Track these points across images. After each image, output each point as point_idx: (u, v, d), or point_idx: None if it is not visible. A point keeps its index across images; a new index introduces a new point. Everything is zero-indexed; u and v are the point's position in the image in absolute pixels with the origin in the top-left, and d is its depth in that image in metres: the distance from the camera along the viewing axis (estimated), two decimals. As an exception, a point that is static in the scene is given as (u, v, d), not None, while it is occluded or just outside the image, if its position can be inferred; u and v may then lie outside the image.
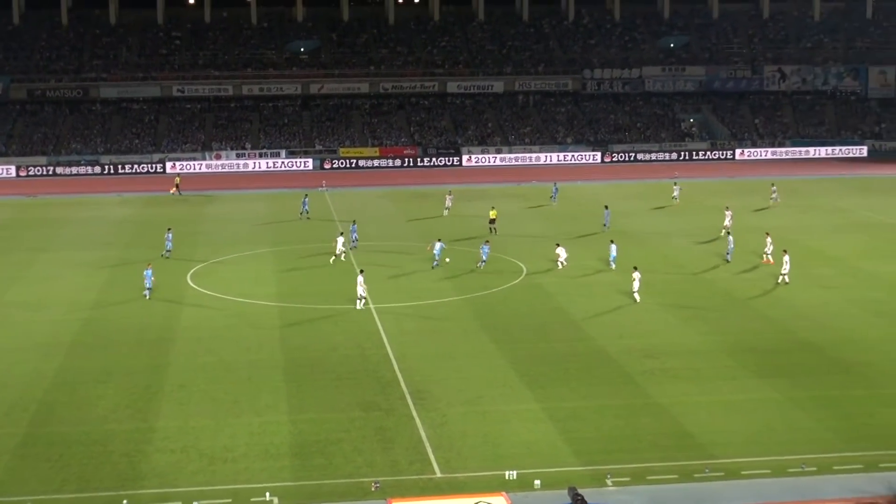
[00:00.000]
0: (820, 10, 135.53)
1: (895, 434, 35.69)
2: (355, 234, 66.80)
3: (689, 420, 36.93)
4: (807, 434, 35.81)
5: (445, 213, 76.44)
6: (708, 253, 64.57)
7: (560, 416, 37.24)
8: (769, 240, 61.34)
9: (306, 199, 79.37)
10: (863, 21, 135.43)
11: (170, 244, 63.87)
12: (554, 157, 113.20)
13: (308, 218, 77.33)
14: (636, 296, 52.76)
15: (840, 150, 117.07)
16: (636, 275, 53.03)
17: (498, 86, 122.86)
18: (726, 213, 70.15)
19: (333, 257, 62.28)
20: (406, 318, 50.25)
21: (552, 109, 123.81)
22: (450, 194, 79.66)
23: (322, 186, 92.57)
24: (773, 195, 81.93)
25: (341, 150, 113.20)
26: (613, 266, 60.18)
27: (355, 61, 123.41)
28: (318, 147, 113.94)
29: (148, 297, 53.47)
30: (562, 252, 60.34)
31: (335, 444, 34.91)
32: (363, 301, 52.01)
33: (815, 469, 32.99)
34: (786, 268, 55.98)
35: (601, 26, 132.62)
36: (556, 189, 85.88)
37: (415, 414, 37.54)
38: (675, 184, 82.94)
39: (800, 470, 32.94)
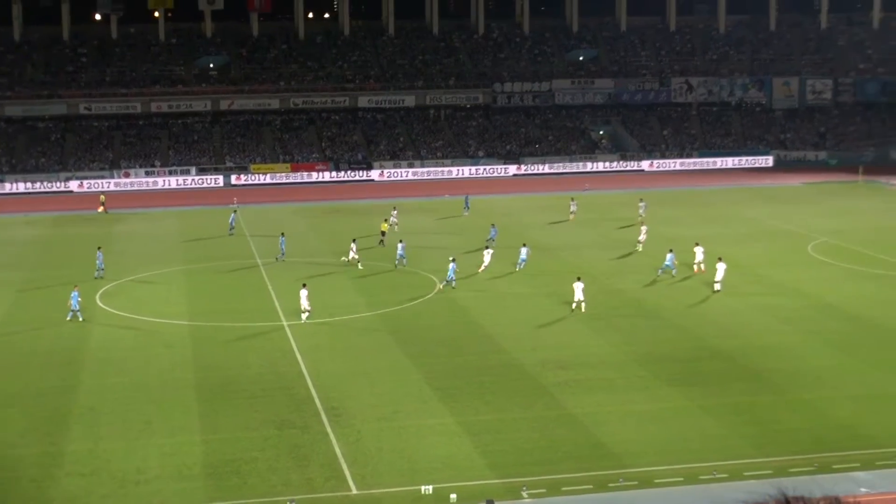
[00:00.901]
0: (725, 23, 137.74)
1: (803, 439, 36.37)
2: (282, 247, 67.07)
3: (603, 430, 37.25)
4: (718, 441, 36.32)
5: (395, 228, 75.77)
6: (618, 264, 65.18)
7: (475, 430, 37.34)
8: (700, 249, 61.92)
9: (234, 216, 78.80)
10: (766, 33, 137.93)
11: (101, 264, 62.78)
12: (466, 171, 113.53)
13: (231, 234, 76.52)
14: (582, 305, 53.27)
15: (746, 160, 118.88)
16: (579, 285, 53.59)
17: (409, 100, 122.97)
18: (641, 227, 70.56)
19: (346, 259, 64.48)
20: (320, 335, 50.06)
21: (463, 123, 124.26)
22: (394, 209, 79.34)
23: (233, 203, 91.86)
24: (573, 207, 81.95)
25: (252, 166, 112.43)
26: (519, 268, 62.40)
27: (265, 77, 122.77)
28: (229, 163, 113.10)
29: (81, 319, 52.39)
30: (487, 256, 62.33)
31: (250, 464, 34.65)
32: (307, 314, 51.93)
33: (726, 475, 33.45)
34: (720, 275, 56.92)
35: (511, 40, 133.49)
36: (468, 201, 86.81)
37: (329, 431, 37.40)
38: (573, 199, 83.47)
39: (712, 477, 33.37)
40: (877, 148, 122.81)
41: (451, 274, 58.78)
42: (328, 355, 46.78)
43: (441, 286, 58.70)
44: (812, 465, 34.06)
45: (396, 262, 64.44)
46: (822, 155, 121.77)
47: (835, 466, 34.06)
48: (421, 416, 38.83)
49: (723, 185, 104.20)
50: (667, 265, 60.99)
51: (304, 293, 52.34)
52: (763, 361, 45.00)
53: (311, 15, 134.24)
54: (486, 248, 64.75)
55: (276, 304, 55.71)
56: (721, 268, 57.26)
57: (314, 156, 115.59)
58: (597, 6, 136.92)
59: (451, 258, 60.29)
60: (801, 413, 38.95)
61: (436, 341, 48.67)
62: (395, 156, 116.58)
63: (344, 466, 34.42)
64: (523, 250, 63.68)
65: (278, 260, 67.00)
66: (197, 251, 71.35)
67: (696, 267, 61.52)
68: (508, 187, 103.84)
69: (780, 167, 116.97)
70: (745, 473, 33.63)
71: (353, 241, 66.17)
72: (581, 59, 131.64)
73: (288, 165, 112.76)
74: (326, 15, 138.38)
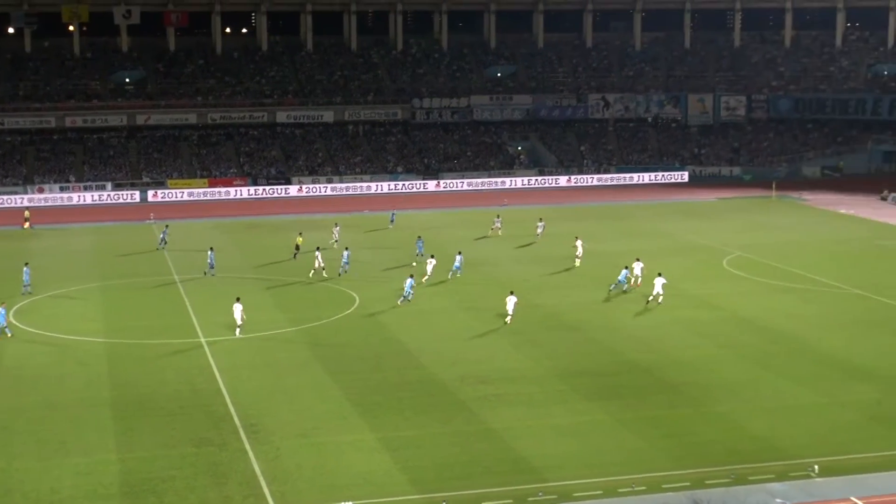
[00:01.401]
0: (641, 40, 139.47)
1: (719, 451, 36.82)
2: (211, 261, 66.93)
3: (523, 444, 37.40)
4: (636, 454, 36.64)
5: (334, 245, 75.45)
6: (538, 278, 65.51)
7: (395, 445, 37.29)
8: (639, 264, 62.36)
9: (166, 230, 78.03)
10: (681, 50, 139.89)
11: (28, 279, 61.67)
12: (385, 186, 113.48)
13: (160, 249, 75.76)
14: (508, 318, 54.03)
15: (662, 175, 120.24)
16: (512, 298, 54.21)
17: (328, 115, 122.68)
18: (577, 242, 70.67)
19: (314, 271, 65.52)
20: (239, 351, 49.68)
21: (382, 139, 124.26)
22: (336, 225, 79.00)
23: (150, 219, 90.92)
24: (496, 223, 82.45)
25: (169, 181, 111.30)
26: (455, 275, 64.26)
27: (182, 91, 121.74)
28: (146, 179, 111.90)
29: (10, 335, 51.49)
30: (430, 266, 63.55)
31: (167, 482, 34.27)
32: (240, 329, 51.82)
33: (644, 488, 33.75)
34: (658, 289, 57.77)
35: (429, 56, 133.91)
36: (394, 215, 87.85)
37: (248, 448, 37.12)
38: (498, 216, 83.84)
39: (630, 490, 33.65)
40: (789, 164, 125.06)
41: (408, 289, 58.95)
42: (247, 372, 46.43)
43: (399, 302, 58.71)
44: (728, 477, 34.47)
45: (340, 269, 65.66)
46: (737, 170, 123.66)
47: (750, 478, 34.50)
48: (340, 433, 38.70)
49: (639, 200, 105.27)
50: (620, 280, 61.42)
51: (238, 307, 52.10)
52: (679, 375, 45.53)
53: (228, 30, 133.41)
54: (431, 257, 65.21)
55: (195, 320, 55.19)
56: (659, 282, 58.07)
57: (232, 171, 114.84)
58: (514, 23, 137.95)
59: (410, 274, 60.66)
60: (716, 425, 39.43)
61: (356, 357, 48.56)
62: (314, 171, 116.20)
63: (263, 484, 34.16)
64: (458, 258, 65.03)
65: (207, 274, 66.53)
66: (113, 267, 70.40)
67: (633, 280, 62.05)
68: (427, 202, 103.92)
69: (696, 182, 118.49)
70: (663, 486, 33.96)
71: (318, 248, 67.57)
72: (499, 75, 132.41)
73: (206, 181, 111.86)
74: (244, 30, 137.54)
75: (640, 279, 61.89)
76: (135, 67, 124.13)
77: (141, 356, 48.85)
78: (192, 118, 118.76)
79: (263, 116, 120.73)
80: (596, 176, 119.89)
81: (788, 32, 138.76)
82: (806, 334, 52.11)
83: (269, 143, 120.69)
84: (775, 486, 34.08)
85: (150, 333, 52.73)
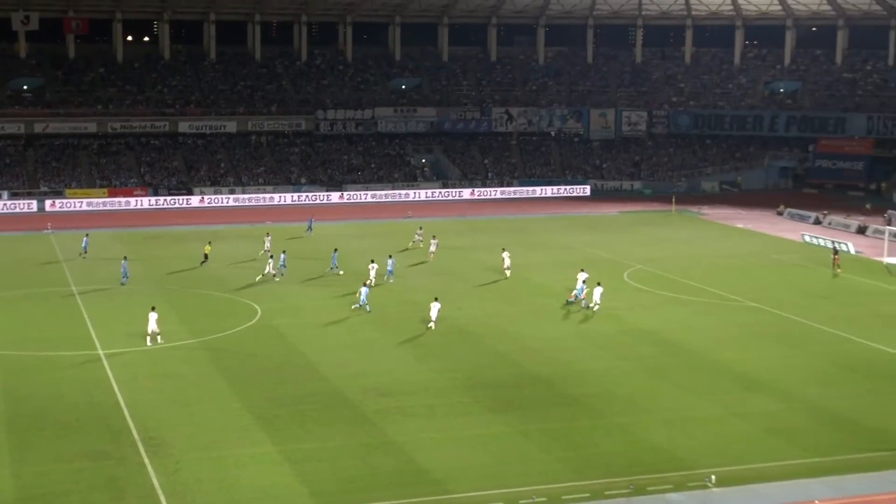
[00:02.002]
0: (544, 55, 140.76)
1: (619, 462, 37.22)
2: (125, 270, 66.42)
3: (425, 457, 37.43)
4: (537, 465, 36.89)
5: (266, 254, 74.83)
6: (442, 290, 65.56)
7: (296, 458, 37.09)
8: (584, 275, 62.80)
9: (86, 240, 77.07)
10: (584, 66, 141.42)
11: None
12: (288, 198, 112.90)
13: (83, 257, 74.70)
14: (432, 324, 55.20)
15: (565, 189, 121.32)
16: (436, 305, 55.35)
17: (231, 126, 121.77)
18: (504, 254, 71.15)
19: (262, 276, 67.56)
20: (139, 364, 49.00)
21: (286, 150, 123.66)
22: (268, 235, 78.35)
23: (48, 229, 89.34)
24: (417, 236, 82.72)
25: (67, 191, 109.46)
26: (390, 280, 66.83)
27: (82, 100, 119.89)
28: (44, 188, 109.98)
29: None
30: (372, 271, 65.23)
31: (63, 497, 33.68)
32: (156, 337, 51.62)
33: (545, 499, 33.98)
34: (596, 297, 59.41)
35: (334, 67, 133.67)
36: (311, 224, 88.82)
37: (147, 462, 36.63)
38: (420, 228, 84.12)
39: (531, 501, 33.85)
40: (688, 178, 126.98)
41: (363, 298, 59.35)
42: (147, 384, 45.83)
43: (354, 307, 59.57)
44: (627, 488, 34.86)
45: (275, 273, 67.82)
46: (638, 185, 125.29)
47: (649, 488, 34.92)
48: (241, 446, 38.38)
49: (542, 213, 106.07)
50: (577, 291, 61.79)
51: (153, 316, 51.83)
52: (581, 387, 45.95)
53: (129, 38, 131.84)
54: (371, 262, 66.32)
55: (92, 332, 54.34)
56: (598, 291, 59.71)
57: (133, 181, 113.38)
58: (419, 36, 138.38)
59: (366, 282, 61.35)
60: (616, 436, 39.86)
61: (258, 369, 48.20)
62: (216, 182, 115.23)
63: (162, 498, 33.73)
64: (390, 262, 67.61)
65: (123, 284, 66.01)
66: (8, 278, 68.99)
67: (572, 293, 62.51)
68: (332, 215, 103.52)
69: (597, 196, 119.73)
70: (564, 497, 34.23)
71: (270, 256, 69.47)
72: (403, 87, 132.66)
73: (105, 190, 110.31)
74: (146, 38, 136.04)
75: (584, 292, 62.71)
76: (33, 75, 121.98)
77: (36, 368, 47.97)
78: (92, 127, 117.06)
79: (165, 126, 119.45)
80: (499, 189, 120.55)
81: (689, 49, 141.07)
82: (704, 346, 52.93)
83: (171, 152, 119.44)
84: (673, 496, 34.55)
85: (46, 345, 51.79)
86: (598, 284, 60.30)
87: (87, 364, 48.73)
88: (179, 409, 42.41)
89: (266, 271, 67.91)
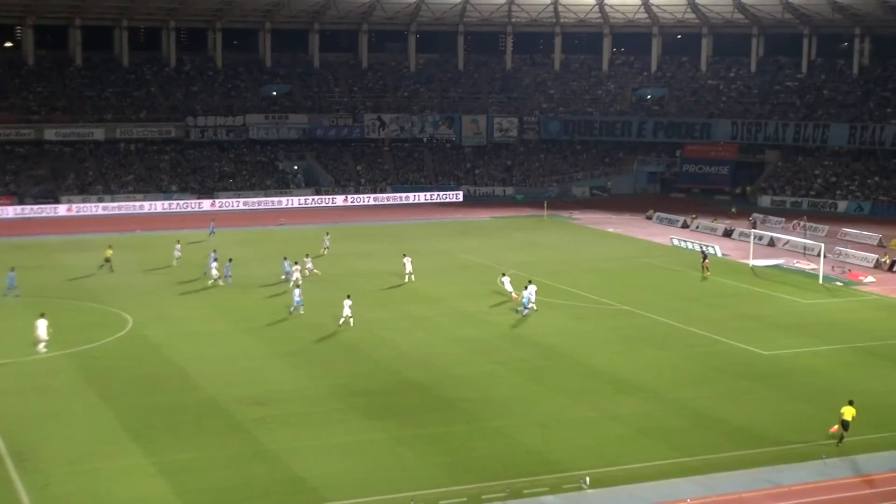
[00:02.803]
0: (416, 61, 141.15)
1: (495, 466, 37.48)
2: (13, 282, 64.54)
3: (301, 465, 37.25)
4: (414, 471, 36.96)
5: (176, 263, 74.13)
6: (317, 297, 65.32)
7: (170, 470, 36.58)
8: (507, 278, 65.74)
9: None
10: (455, 72, 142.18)
11: None
12: (159, 206, 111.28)
13: None
14: (350, 321, 56.74)
15: (438, 195, 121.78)
16: (347, 302, 57.54)
17: (98, 133, 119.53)
18: (405, 259, 71.30)
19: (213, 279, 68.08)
20: (5, 377, 47.79)
21: (155, 157, 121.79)
22: (178, 242, 77.39)
23: None
24: (326, 242, 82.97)
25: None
26: (286, 279, 67.38)
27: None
28: None
29: None
30: (294, 269, 66.37)
31: (-73, 516, 32.72)
32: (39, 344, 51.07)
33: (422, 505, 34.10)
34: (532, 297, 61.30)
35: (203, 73, 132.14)
36: (213, 227, 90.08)
37: (15, 477, 35.75)
38: (327, 234, 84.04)
39: (408, 507, 33.94)
40: (560, 184, 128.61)
41: (298, 299, 60.78)
42: (14, 398, 44.72)
43: (291, 309, 60.79)
44: (503, 491, 35.11)
45: (222, 279, 68.44)
46: (510, 190, 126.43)
47: (525, 492, 35.22)
48: (114, 458, 37.70)
49: (415, 219, 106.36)
50: (525, 300, 61.81)
51: (42, 322, 51.26)
52: (456, 391, 46.19)
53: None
54: (295, 262, 67.83)
55: (-44, 345, 52.94)
56: (531, 289, 61.31)
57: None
58: (289, 42, 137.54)
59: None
60: (492, 440, 40.15)
61: (129, 380, 47.41)
62: (84, 190, 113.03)
63: (31, 514, 33.03)
64: (308, 261, 71.09)
65: (7, 296, 63.98)
66: None
67: (512, 296, 64.12)
68: (204, 222, 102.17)
69: (470, 202, 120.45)
70: (441, 502, 34.35)
71: (215, 259, 69.72)
72: (274, 93, 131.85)
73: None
74: (9, 43, 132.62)
75: (514, 293, 63.99)
76: None
77: None
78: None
79: (30, 133, 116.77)
80: (372, 195, 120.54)
81: (558, 56, 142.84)
82: (576, 350, 53.63)
83: (37, 160, 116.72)
84: (549, 498, 34.92)
85: None
86: (530, 283, 62.04)
87: (-49, 378, 47.42)
88: (48, 422, 41.50)
89: (211, 275, 68.41)
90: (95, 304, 62.47)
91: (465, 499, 34.65)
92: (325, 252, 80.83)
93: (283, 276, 68.52)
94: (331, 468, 37.10)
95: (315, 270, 70.77)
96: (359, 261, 77.79)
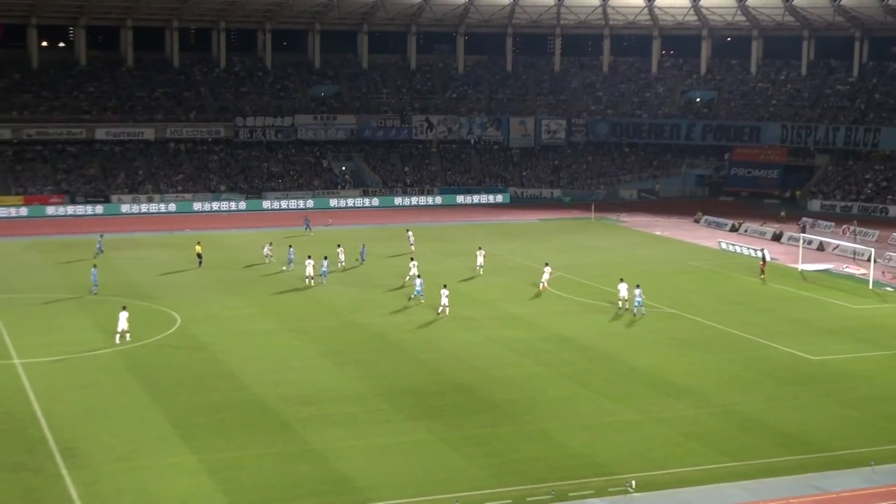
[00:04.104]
0: (464, 63, 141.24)
1: (540, 468, 37.44)
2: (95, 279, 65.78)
3: (346, 465, 37.38)
4: (459, 473, 36.97)
5: (269, 260, 76.51)
6: (361, 298, 65.54)
7: (217, 467, 36.84)
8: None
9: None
10: (503, 74, 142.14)
11: None
12: (207, 205, 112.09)
13: None
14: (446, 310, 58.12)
15: (485, 197, 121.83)
16: (445, 290, 60.26)
17: (148, 133, 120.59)
18: (478, 252, 74.87)
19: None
20: (55, 374, 48.33)
21: (205, 157, 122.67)
22: (270, 244, 79.03)
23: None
24: (411, 241, 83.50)
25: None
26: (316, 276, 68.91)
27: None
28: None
29: None
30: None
31: (-22, 510, 33.15)
32: (124, 335, 53.23)
33: (467, 506, 34.13)
34: (545, 277, 67.48)
35: (253, 74, 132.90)
36: (308, 222, 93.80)
37: (65, 473, 36.14)
38: (408, 230, 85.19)
39: (453, 508, 33.98)
40: (607, 186, 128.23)
41: (419, 289, 63.79)
42: (64, 394, 45.22)
43: (411, 297, 64.18)
44: (549, 494, 35.07)
45: (312, 277, 69.23)
46: (557, 193, 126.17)
47: (570, 494, 35.16)
48: (161, 455, 38.02)
49: (462, 221, 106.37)
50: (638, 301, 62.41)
51: (124, 315, 53.55)
52: (501, 393, 46.16)
53: (45, 44, 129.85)
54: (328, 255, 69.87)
55: (8, 341, 53.52)
56: (547, 270, 67.83)
57: (49, 188, 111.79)
58: (339, 43, 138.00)
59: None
60: (537, 443, 40.10)
61: (176, 378, 47.78)
62: (134, 189, 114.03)
63: (80, 509, 33.37)
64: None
65: (94, 293, 65.16)
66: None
67: (541, 285, 67.68)
68: (251, 222, 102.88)
69: (517, 204, 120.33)
70: (485, 504, 34.41)
71: (309, 256, 70.33)
72: (323, 94, 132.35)
73: (20, 198, 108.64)
74: (62, 44, 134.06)
75: (546, 284, 67.69)
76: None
77: (-50, 379, 47.14)
78: (7, 134, 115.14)
79: (82, 133, 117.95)
80: (419, 197, 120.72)
81: (606, 58, 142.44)
82: (622, 352, 53.44)
83: (88, 160, 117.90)
84: (594, 501, 34.83)
85: (-40, 356, 50.93)
86: (637, 287, 62.39)
87: (2, 374, 47.95)
88: (97, 420, 41.91)
89: (308, 275, 69.15)
90: (144, 303, 62.92)
91: (510, 501, 34.63)
92: (413, 249, 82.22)
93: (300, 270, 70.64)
94: (376, 468, 37.20)
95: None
96: (401, 262, 77.79)
